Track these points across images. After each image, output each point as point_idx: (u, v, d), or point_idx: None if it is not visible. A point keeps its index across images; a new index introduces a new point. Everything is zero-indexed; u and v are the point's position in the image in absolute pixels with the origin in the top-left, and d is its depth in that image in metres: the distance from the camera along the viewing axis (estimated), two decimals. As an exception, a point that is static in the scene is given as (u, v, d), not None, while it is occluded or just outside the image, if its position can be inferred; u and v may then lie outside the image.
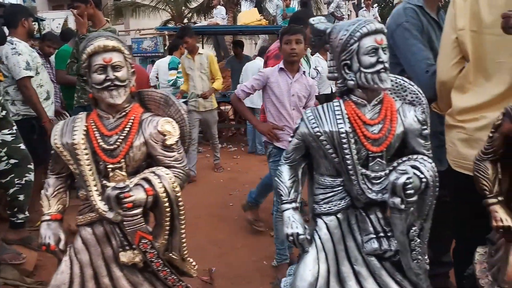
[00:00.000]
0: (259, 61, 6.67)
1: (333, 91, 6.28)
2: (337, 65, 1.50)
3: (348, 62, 1.44)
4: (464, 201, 1.74)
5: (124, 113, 1.59)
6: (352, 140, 1.43)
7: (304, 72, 2.66)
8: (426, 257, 1.55)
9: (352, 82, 1.45)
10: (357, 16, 9.67)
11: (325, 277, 1.48)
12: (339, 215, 1.52)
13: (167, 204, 1.52)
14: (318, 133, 1.46)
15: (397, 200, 1.36)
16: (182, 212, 1.58)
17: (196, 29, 9.35)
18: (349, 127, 1.44)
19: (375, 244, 1.48)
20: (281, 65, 2.65)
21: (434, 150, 2.08)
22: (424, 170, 1.41)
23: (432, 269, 2.39)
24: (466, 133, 1.74)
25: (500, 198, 1.55)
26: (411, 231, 1.43)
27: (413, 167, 1.42)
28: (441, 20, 2.11)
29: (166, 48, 10.76)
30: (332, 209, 1.52)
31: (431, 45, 2.01)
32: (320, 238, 1.52)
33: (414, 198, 1.38)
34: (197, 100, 5.04)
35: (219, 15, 10.04)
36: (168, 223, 1.55)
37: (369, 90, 1.46)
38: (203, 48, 9.66)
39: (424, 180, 1.40)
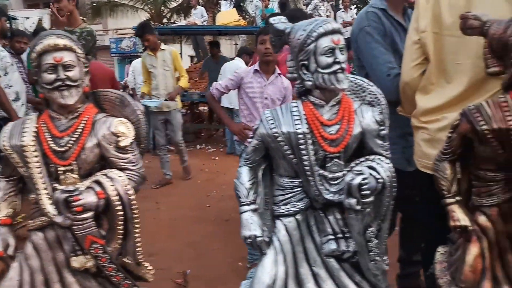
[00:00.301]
0: (238, 61, 6.66)
1: None
2: (295, 66, 1.49)
3: (306, 62, 1.43)
4: (430, 200, 1.75)
5: (76, 114, 1.55)
6: (309, 141, 1.42)
7: (279, 74, 2.65)
8: (385, 257, 1.54)
9: (309, 83, 1.44)
10: (335, 17, 9.72)
11: (283, 279, 1.46)
12: (298, 216, 1.50)
13: (119, 208, 1.48)
14: (276, 134, 1.44)
15: (353, 201, 1.35)
16: (135, 215, 1.54)
17: (174, 29, 9.34)
18: (307, 128, 1.42)
19: (333, 245, 1.46)
20: (256, 66, 2.64)
21: (402, 151, 2.11)
22: (381, 170, 1.41)
23: (403, 269, 2.44)
24: (429, 134, 1.75)
25: (458, 198, 1.56)
26: (368, 231, 1.43)
27: (370, 167, 1.41)
28: (408, 21, 2.12)
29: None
30: (290, 210, 1.50)
31: (395, 47, 2.02)
32: (278, 240, 1.50)
33: (370, 199, 1.37)
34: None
35: (199, 16, 9.97)
36: (121, 227, 1.51)
37: (327, 90, 1.44)
38: (181, 48, 9.66)
39: (380, 180, 1.40)
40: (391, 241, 3.11)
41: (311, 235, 1.51)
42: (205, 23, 9.72)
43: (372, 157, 1.46)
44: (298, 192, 1.50)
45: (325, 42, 1.39)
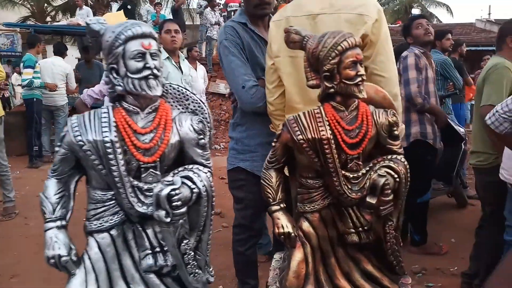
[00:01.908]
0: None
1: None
2: (108, 69, 1.36)
3: (115, 66, 1.31)
4: None
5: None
6: (119, 150, 1.30)
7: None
8: (210, 269, 1.49)
9: (120, 88, 1.32)
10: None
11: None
12: (112, 232, 1.37)
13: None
14: (81, 142, 1.30)
15: (162, 213, 1.26)
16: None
17: (53, 29, 8.56)
18: (115, 136, 1.30)
19: (150, 260, 1.36)
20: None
21: (262, 158, 2.11)
22: (197, 180, 1.35)
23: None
24: None
25: (282, 205, 1.57)
26: (183, 244, 1.35)
27: (186, 177, 1.34)
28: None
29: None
30: (103, 225, 1.36)
31: (256, 60, 2.03)
32: (90, 258, 1.35)
33: (182, 210, 1.29)
34: None
35: (85, 16, 9.32)
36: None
37: (141, 97, 1.34)
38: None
39: (195, 190, 1.33)
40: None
41: (129, 251, 1.39)
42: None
43: (190, 166, 1.39)
44: (112, 205, 1.36)
45: (134, 46, 1.29)
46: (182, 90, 1.48)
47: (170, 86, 1.46)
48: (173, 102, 1.47)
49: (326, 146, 1.45)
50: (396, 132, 1.53)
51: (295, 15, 1.74)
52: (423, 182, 3.04)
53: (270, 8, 2.08)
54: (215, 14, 9.93)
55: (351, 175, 1.49)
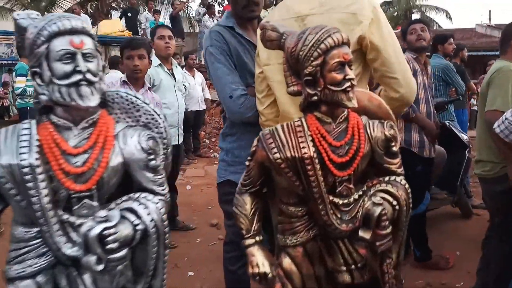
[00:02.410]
0: (115, 73, 6.01)
1: (201, 108, 6.02)
2: (30, 73, 1.08)
3: (38, 69, 1.03)
4: None
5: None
6: (41, 177, 1.01)
7: (149, 88, 2.37)
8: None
9: (44, 97, 1.04)
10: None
11: None
12: (39, 278, 1.08)
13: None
14: None
15: (92, 258, 0.97)
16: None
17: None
18: (37, 158, 1.02)
19: (86, 314, 1.07)
20: (124, 77, 2.37)
21: None
22: (144, 213, 1.06)
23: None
24: None
25: (258, 239, 1.30)
26: (124, 295, 1.06)
27: (129, 210, 1.06)
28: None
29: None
30: (26, 270, 1.07)
31: (245, 67, 1.84)
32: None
33: (120, 254, 1.01)
34: None
35: (80, 23, 9.13)
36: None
37: (73, 108, 1.06)
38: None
39: (140, 227, 1.05)
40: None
41: (62, 300, 1.10)
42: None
43: (137, 195, 1.11)
44: (37, 245, 1.07)
45: (61, 44, 1.01)
46: (131, 99, 1.20)
47: (118, 94, 1.19)
48: (121, 113, 1.19)
49: (309, 167, 1.17)
50: (394, 149, 1.24)
51: (283, 18, 1.54)
52: (414, 193, 2.78)
53: (258, 10, 1.89)
54: (213, 21, 9.71)
55: (341, 202, 1.21)
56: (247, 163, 1.27)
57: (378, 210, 1.14)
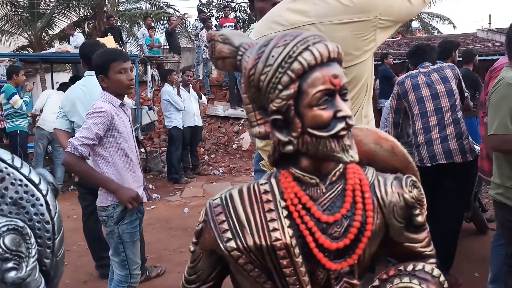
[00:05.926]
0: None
1: (197, 124, 5.60)
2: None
3: None
4: None
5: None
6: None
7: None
8: None
9: None
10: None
11: None
12: None
13: None
14: None
15: None
16: None
17: (39, 57, 7.93)
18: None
19: None
20: (115, 101, 1.86)
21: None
22: None
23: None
24: None
25: None
26: None
27: None
28: None
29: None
30: None
31: None
32: None
33: None
34: None
35: (74, 43, 8.91)
36: None
37: None
38: (52, 76, 8.28)
39: None
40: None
41: None
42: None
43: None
44: None
45: None
46: None
47: None
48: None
49: (284, 261, 0.69)
50: (419, 219, 0.76)
51: (277, 31, 1.11)
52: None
53: None
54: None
55: (341, 308, 0.73)
56: (191, 247, 0.79)
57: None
